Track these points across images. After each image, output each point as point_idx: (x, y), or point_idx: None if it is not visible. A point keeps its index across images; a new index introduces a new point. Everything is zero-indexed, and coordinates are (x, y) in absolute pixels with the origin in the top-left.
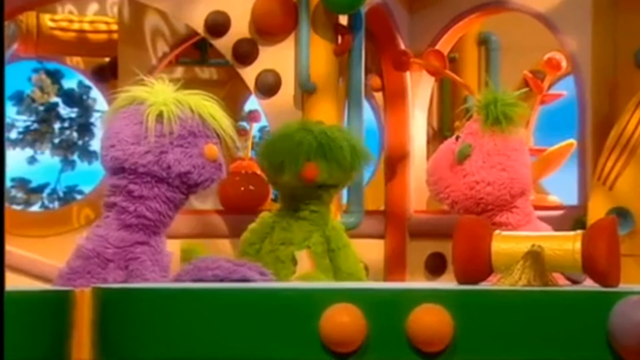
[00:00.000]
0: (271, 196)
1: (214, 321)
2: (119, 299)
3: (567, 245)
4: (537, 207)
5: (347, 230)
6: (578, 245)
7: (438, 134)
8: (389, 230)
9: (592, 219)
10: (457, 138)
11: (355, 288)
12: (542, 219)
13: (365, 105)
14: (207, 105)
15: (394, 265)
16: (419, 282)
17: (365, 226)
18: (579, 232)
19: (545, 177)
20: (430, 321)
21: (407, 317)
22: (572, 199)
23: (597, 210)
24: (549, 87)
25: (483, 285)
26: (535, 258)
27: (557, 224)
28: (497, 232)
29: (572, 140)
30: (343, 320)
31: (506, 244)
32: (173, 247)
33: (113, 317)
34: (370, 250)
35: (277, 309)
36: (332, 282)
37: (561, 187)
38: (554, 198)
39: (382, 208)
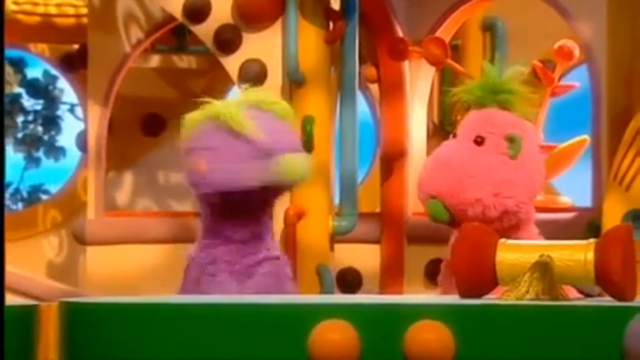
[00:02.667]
0: None
1: (192, 339)
2: (87, 313)
3: (578, 255)
4: (547, 209)
5: (340, 234)
6: (591, 255)
7: (439, 129)
8: (385, 234)
9: (607, 223)
10: (455, 136)
11: (348, 303)
12: (553, 222)
13: (360, 98)
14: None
15: (391, 272)
16: (417, 294)
17: (359, 230)
18: (592, 241)
19: (556, 177)
20: (429, 339)
21: (403, 335)
22: (586, 201)
23: (613, 213)
24: (560, 78)
25: (486, 299)
26: (544, 269)
27: (569, 228)
28: (502, 240)
29: (586, 136)
30: (334, 338)
31: (512, 253)
32: (148, 253)
33: (81, 332)
34: (364, 256)
35: (262, 325)
36: (322, 296)
37: (573, 188)
38: (565, 199)
39: (377, 210)
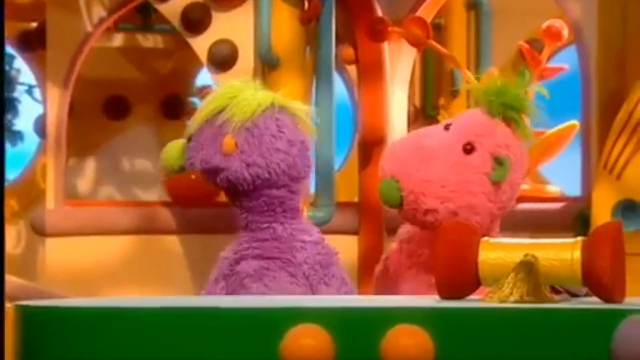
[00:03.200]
0: None
1: (157, 345)
2: (44, 318)
3: (565, 254)
4: (534, 199)
5: (317, 226)
6: (578, 254)
7: (421, 114)
8: (363, 225)
9: (597, 213)
10: (448, 127)
11: (321, 306)
12: (540, 212)
13: (337, 81)
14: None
15: (369, 265)
16: (394, 296)
17: (336, 221)
18: (579, 239)
19: (544, 164)
20: (407, 344)
21: (380, 340)
22: (575, 189)
23: (603, 203)
24: (548, 60)
25: (468, 302)
26: (528, 269)
27: (557, 218)
28: (484, 238)
29: (575, 122)
30: (307, 343)
31: (495, 252)
32: (111, 244)
33: (38, 338)
34: (341, 248)
35: (231, 330)
36: (294, 298)
37: (562, 176)
38: (553, 188)
39: (355, 200)
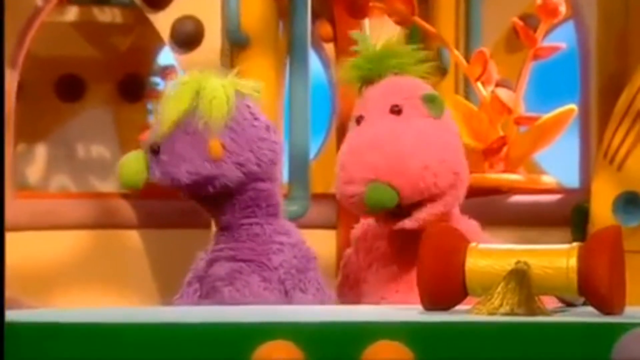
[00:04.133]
0: None
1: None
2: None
3: (559, 261)
4: (528, 190)
5: (292, 220)
6: (574, 261)
7: None
8: (342, 218)
9: (596, 206)
10: (360, 120)
11: (294, 321)
12: (535, 205)
13: (313, 59)
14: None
15: None
16: (374, 306)
17: (312, 214)
18: (575, 245)
19: (539, 152)
20: None
21: (358, 358)
22: (572, 180)
23: (603, 195)
24: (544, 38)
25: (454, 314)
26: (520, 279)
27: (553, 212)
28: (472, 244)
29: (573, 106)
30: None
31: (484, 259)
32: (66, 240)
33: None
34: (318, 244)
35: (197, 347)
36: (265, 312)
37: (559, 165)
38: (549, 179)
39: (333, 191)
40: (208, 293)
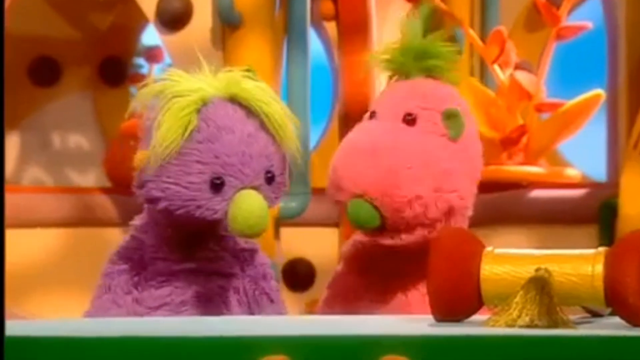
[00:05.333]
0: None
1: None
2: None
3: (584, 268)
4: (550, 184)
5: (288, 218)
6: (600, 268)
7: None
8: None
9: (626, 202)
10: (373, 114)
11: (294, 335)
12: (558, 200)
13: (313, 40)
14: None
15: None
16: (379, 317)
17: (312, 210)
18: (601, 250)
19: (562, 142)
20: None
21: None
22: (600, 173)
23: (633, 189)
24: (568, 16)
25: (468, 326)
26: (540, 287)
27: (578, 208)
28: (488, 249)
29: (600, 91)
30: None
31: (501, 266)
32: (40, 238)
33: None
34: (319, 243)
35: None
36: (259, 324)
37: (584, 157)
38: (574, 171)
39: None
40: None
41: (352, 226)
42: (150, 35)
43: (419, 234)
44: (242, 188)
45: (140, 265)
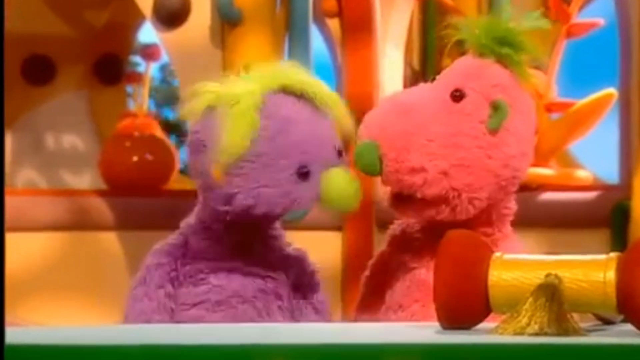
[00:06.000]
0: (178, 168)
1: None
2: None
3: (596, 274)
4: (562, 186)
5: (292, 221)
6: (611, 274)
7: (420, 77)
8: (348, 219)
9: (639, 204)
10: (434, 79)
11: (296, 343)
12: (569, 203)
13: (315, 37)
14: None
15: (356, 266)
16: (384, 324)
17: (315, 214)
18: (613, 255)
19: (574, 143)
20: None
21: None
22: (612, 175)
23: None
24: (579, 12)
25: (476, 334)
26: (550, 294)
27: (590, 210)
28: (497, 254)
29: (612, 90)
30: None
31: (510, 272)
32: (34, 242)
33: None
34: (323, 247)
35: None
36: (263, 332)
37: (596, 158)
38: (585, 173)
39: None
40: None
41: (355, 168)
42: (147, 33)
43: (414, 207)
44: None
45: (182, 263)
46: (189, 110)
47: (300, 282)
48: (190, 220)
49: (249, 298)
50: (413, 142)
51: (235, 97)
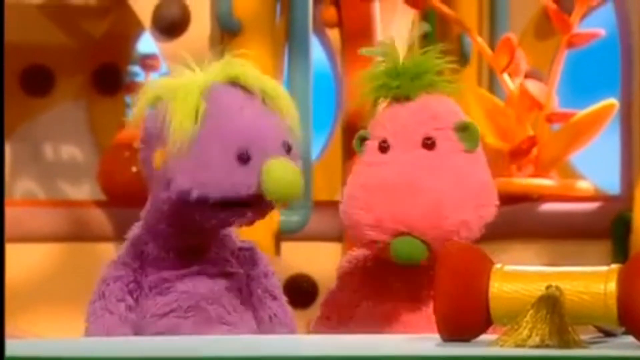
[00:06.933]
0: None
1: None
2: None
3: (597, 286)
4: (562, 197)
5: (290, 232)
6: (613, 286)
7: None
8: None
9: None
10: (384, 145)
11: (290, 355)
12: (570, 214)
13: (315, 47)
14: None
15: None
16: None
17: (314, 224)
18: (614, 267)
19: (574, 154)
20: None
21: None
22: (613, 186)
23: None
24: (579, 23)
25: (476, 346)
26: (551, 305)
27: (591, 222)
28: (497, 266)
29: (613, 101)
30: None
31: (510, 284)
32: (33, 253)
33: None
34: (322, 258)
35: None
36: (258, 343)
37: (597, 169)
38: (586, 184)
39: (338, 198)
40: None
41: (398, 262)
42: (146, 43)
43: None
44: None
45: (142, 274)
46: (136, 111)
47: (256, 272)
48: (135, 230)
49: (217, 298)
50: (442, 208)
51: (180, 85)
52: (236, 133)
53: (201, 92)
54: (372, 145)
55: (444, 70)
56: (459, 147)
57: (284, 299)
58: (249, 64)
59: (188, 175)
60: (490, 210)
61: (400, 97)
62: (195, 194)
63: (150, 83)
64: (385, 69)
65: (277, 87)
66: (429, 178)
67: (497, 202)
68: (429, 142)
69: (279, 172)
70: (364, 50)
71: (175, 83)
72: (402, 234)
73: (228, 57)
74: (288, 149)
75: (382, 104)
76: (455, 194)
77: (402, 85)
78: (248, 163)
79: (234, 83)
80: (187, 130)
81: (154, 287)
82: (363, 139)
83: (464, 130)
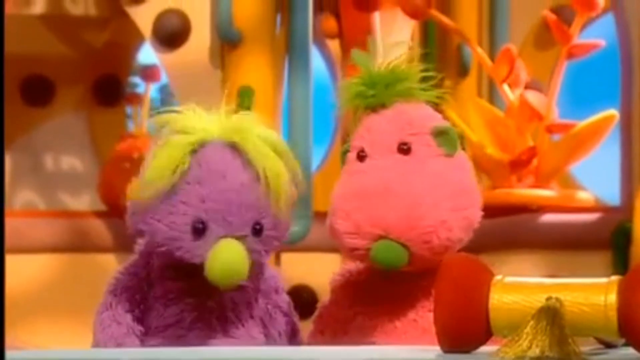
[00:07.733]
0: None
1: None
2: None
3: (597, 297)
4: (562, 208)
5: (290, 243)
6: (613, 297)
7: None
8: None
9: None
10: (362, 155)
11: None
12: (570, 225)
13: (316, 58)
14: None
15: None
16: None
17: (314, 235)
18: (615, 279)
19: (574, 164)
20: None
21: None
22: (613, 197)
23: None
24: (579, 33)
25: (476, 358)
26: (551, 317)
27: (591, 233)
28: (497, 277)
29: (613, 111)
30: None
31: (511, 295)
32: (33, 264)
33: None
34: (322, 269)
35: None
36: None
37: (597, 180)
38: (586, 195)
39: None
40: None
41: (379, 268)
42: (147, 54)
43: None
44: (225, 236)
45: (148, 284)
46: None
47: (266, 287)
48: (145, 241)
49: (223, 312)
50: (418, 209)
51: (180, 129)
52: (201, 201)
53: (193, 148)
54: (351, 156)
55: (427, 78)
56: (437, 152)
57: (295, 315)
58: (254, 119)
59: (146, 220)
60: (473, 211)
61: (377, 106)
62: (146, 239)
63: (164, 111)
64: (360, 78)
65: (276, 167)
66: (404, 181)
67: (481, 204)
68: (405, 147)
69: (223, 256)
70: (354, 53)
71: (179, 126)
72: (380, 237)
73: (246, 115)
74: (258, 231)
75: (363, 114)
76: (431, 195)
77: (377, 94)
78: (202, 235)
79: (235, 147)
80: (161, 180)
81: (160, 297)
82: (346, 152)
83: (442, 135)
